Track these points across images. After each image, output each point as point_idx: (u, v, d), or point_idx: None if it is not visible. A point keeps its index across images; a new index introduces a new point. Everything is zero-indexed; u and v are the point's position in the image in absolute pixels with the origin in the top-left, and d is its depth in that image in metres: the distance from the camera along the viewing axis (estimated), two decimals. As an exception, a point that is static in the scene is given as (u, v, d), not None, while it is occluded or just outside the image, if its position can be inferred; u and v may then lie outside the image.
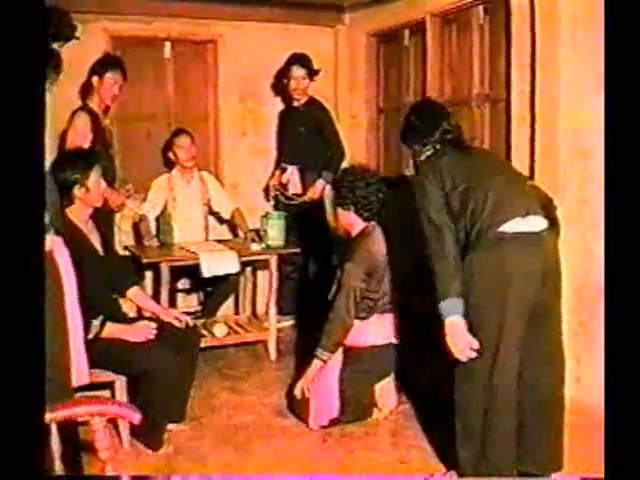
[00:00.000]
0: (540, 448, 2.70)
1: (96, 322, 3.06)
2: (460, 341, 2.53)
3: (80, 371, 2.63)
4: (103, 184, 3.30)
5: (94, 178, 3.21)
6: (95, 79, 4.27)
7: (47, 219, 2.32)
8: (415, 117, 2.97)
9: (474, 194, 2.60)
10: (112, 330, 3.08)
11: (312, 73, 4.96)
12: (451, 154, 2.76)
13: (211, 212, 4.98)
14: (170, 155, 4.82)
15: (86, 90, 4.43)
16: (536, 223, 2.60)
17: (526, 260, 2.54)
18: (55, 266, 2.38)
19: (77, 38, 2.66)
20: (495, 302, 2.53)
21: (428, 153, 2.83)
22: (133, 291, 3.48)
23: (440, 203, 2.63)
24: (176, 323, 3.41)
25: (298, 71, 4.92)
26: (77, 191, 3.15)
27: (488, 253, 2.55)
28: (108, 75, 4.26)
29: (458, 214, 2.62)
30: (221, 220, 5.10)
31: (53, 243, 2.36)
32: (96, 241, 3.29)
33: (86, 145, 4.01)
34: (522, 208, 2.59)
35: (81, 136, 4.06)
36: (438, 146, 2.82)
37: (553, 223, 2.72)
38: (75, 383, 2.57)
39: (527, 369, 2.63)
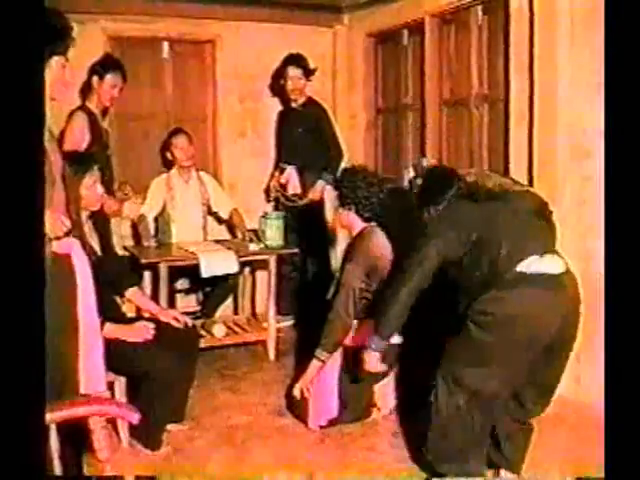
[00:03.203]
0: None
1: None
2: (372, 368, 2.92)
3: (93, 377, 2.51)
4: (100, 189, 3.29)
5: (87, 183, 3.20)
6: (95, 80, 4.26)
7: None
8: (431, 180, 3.01)
9: (489, 241, 2.61)
10: (111, 330, 3.07)
11: (308, 73, 4.96)
12: (465, 206, 2.78)
13: (210, 212, 4.97)
14: (168, 155, 4.82)
15: (85, 90, 4.42)
16: (555, 264, 2.58)
17: (546, 304, 2.52)
18: (71, 269, 2.37)
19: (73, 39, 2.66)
20: (509, 341, 2.50)
21: (441, 207, 2.85)
22: (132, 291, 3.47)
23: (435, 258, 2.65)
24: (175, 323, 3.41)
25: (294, 71, 4.92)
26: (70, 193, 3.14)
27: (505, 292, 2.52)
28: (108, 77, 4.25)
29: (470, 260, 2.63)
30: (220, 220, 5.10)
31: (71, 246, 2.35)
32: (94, 242, 3.29)
33: (84, 146, 4.01)
34: (538, 247, 2.59)
35: (78, 137, 4.05)
36: (453, 200, 2.84)
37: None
38: (85, 390, 2.47)
39: (524, 392, 2.67)
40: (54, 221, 2.26)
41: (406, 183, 3.59)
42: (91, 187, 3.22)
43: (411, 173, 3.51)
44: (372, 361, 2.88)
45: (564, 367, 2.72)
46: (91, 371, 2.47)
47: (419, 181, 3.42)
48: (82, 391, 2.44)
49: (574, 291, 2.63)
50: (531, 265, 2.53)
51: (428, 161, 3.57)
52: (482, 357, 2.52)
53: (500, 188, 3.23)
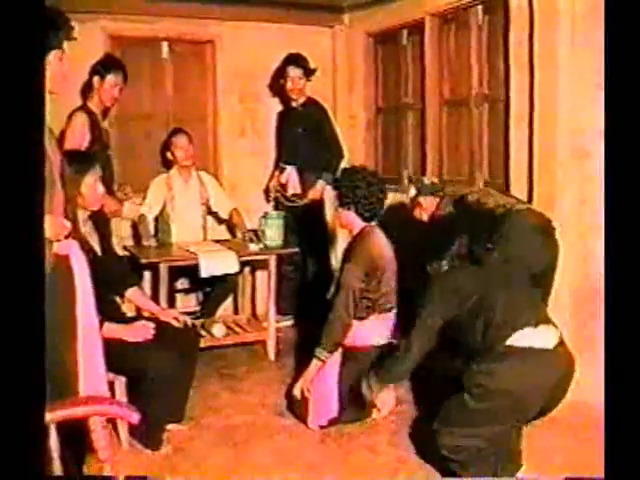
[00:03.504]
0: None
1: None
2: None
3: (93, 378, 2.46)
4: (101, 188, 3.28)
5: (88, 182, 3.19)
6: (96, 79, 4.25)
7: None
8: (436, 236, 3.17)
9: (483, 308, 2.66)
10: (111, 330, 3.07)
11: (308, 73, 4.96)
12: (466, 269, 2.89)
13: (210, 212, 4.97)
14: (168, 155, 4.82)
15: (86, 90, 4.42)
16: (548, 336, 2.61)
17: (534, 377, 2.55)
18: (69, 270, 2.37)
19: (74, 39, 2.65)
20: (500, 410, 2.56)
21: (445, 268, 2.97)
22: (132, 291, 3.47)
23: (445, 313, 2.76)
24: (175, 323, 3.41)
25: (294, 71, 4.92)
26: (69, 192, 3.13)
27: (497, 365, 2.56)
28: (110, 77, 4.24)
29: (468, 326, 2.69)
30: (219, 220, 5.10)
31: (69, 247, 2.35)
32: (95, 242, 3.29)
33: (84, 145, 4.01)
34: (532, 317, 2.62)
35: (79, 137, 4.05)
36: (455, 258, 2.94)
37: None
38: (86, 391, 2.50)
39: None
40: (55, 224, 2.26)
41: (408, 200, 3.64)
42: (92, 186, 3.21)
43: (412, 191, 3.54)
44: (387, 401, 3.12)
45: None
46: (91, 372, 2.46)
47: (422, 199, 3.48)
48: (82, 392, 2.43)
49: (567, 362, 2.65)
50: (523, 338, 2.57)
51: (429, 179, 3.62)
52: (472, 420, 2.59)
53: (502, 208, 3.27)
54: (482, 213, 3.27)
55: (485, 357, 2.60)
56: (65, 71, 2.37)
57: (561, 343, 2.64)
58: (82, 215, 3.22)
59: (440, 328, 2.78)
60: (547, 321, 2.66)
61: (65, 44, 2.33)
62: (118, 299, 3.55)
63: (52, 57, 2.26)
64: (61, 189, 2.36)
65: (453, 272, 2.89)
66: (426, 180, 3.63)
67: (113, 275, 3.36)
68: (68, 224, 2.36)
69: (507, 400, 2.52)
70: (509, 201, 3.42)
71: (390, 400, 3.49)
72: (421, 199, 3.59)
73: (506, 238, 3.17)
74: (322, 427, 3.38)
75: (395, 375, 3.06)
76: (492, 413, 2.56)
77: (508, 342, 2.57)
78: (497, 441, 2.63)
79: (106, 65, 4.29)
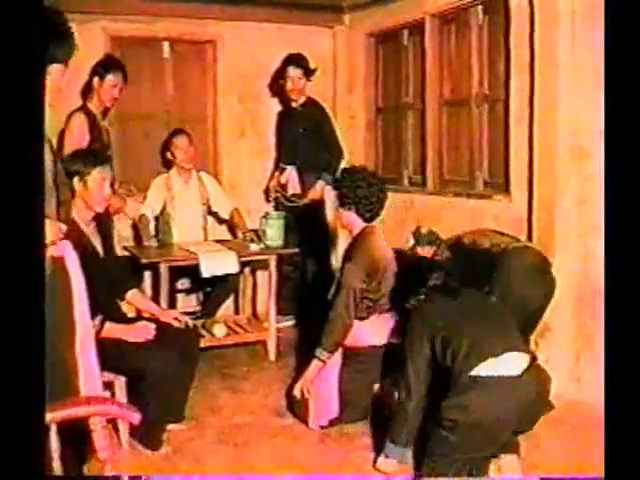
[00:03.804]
0: None
1: (95, 321, 3.05)
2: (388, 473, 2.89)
3: (89, 377, 2.50)
4: (108, 189, 3.26)
5: (96, 177, 3.17)
6: (96, 80, 4.26)
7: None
8: (413, 271, 3.13)
9: (452, 339, 2.70)
10: (111, 329, 3.08)
11: (308, 73, 4.96)
12: (439, 300, 2.89)
13: (210, 212, 4.97)
14: (168, 155, 4.82)
15: (86, 91, 4.42)
16: (514, 363, 2.63)
17: (501, 407, 2.58)
18: (65, 271, 2.37)
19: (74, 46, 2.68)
20: (466, 441, 2.60)
21: (421, 297, 2.97)
22: (132, 294, 3.47)
23: (425, 351, 2.78)
24: (175, 323, 3.41)
25: (294, 71, 4.92)
26: (76, 184, 3.13)
27: (462, 398, 2.60)
28: (109, 77, 4.25)
29: (440, 358, 2.73)
30: (220, 220, 5.10)
31: (64, 248, 2.35)
32: (97, 243, 3.29)
33: (83, 146, 4.01)
34: (498, 347, 2.64)
35: (78, 137, 4.05)
36: (430, 292, 2.94)
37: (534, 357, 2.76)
38: (84, 391, 2.50)
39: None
40: (51, 228, 2.26)
41: (407, 249, 3.70)
42: (99, 183, 3.18)
43: (410, 241, 3.57)
44: (388, 467, 2.92)
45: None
46: (88, 371, 2.48)
47: (419, 249, 3.51)
48: (82, 391, 2.44)
49: (537, 385, 2.68)
50: (486, 369, 2.59)
51: (427, 229, 3.69)
52: (451, 451, 2.62)
53: (498, 248, 3.30)
54: (478, 254, 3.33)
55: (453, 390, 2.64)
56: (63, 85, 2.37)
57: (531, 367, 2.66)
58: (87, 216, 3.21)
59: (430, 360, 2.80)
60: (515, 349, 2.67)
61: (68, 60, 2.33)
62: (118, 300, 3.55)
63: (54, 70, 2.26)
64: (54, 191, 2.36)
65: (426, 305, 2.91)
66: (423, 230, 3.69)
67: (114, 277, 3.36)
68: (64, 227, 2.36)
69: (478, 431, 2.57)
70: (504, 240, 3.46)
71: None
72: (419, 249, 3.62)
73: (504, 278, 3.21)
74: (322, 427, 3.38)
75: (403, 431, 2.88)
76: (467, 444, 2.60)
77: (473, 373, 2.60)
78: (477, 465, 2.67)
79: (105, 65, 4.30)
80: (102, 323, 3.08)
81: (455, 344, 2.67)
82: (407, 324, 2.92)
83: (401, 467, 2.90)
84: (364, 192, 3.42)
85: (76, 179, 3.14)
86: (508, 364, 2.61)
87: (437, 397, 2.76)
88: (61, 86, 2.35)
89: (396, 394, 2.90)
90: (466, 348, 2.64)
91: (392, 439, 2.88)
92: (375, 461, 2.97)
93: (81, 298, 2.44)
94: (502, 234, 3.57)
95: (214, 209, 4.94)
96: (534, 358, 2.73)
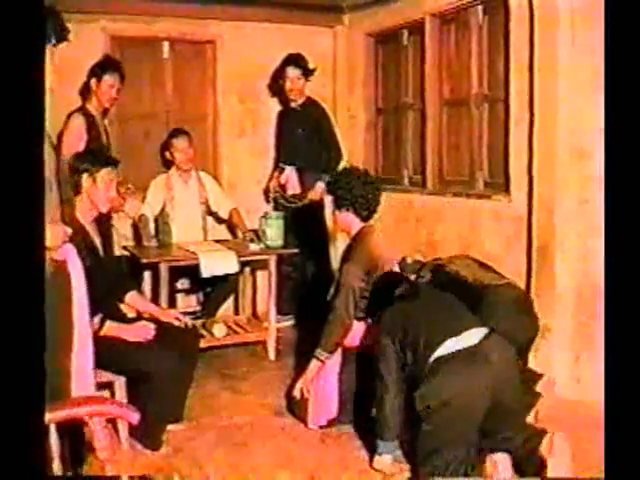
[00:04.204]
0: None
1: (95, 319, 3.05)
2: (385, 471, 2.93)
3: (82, 381, 2.54)
4: (114, 191, 3.29)
5: (105, 176, 3.20)
6: (93, 81, 4.26)
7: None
8: (380, 284, 3.22)
9: (410, 333, 2.79)
10: (112, 328, 3.08)
11: (307, 73, 4.96)
12: (401, 305, 2.98)
13: (210, 213, 4.97)
14: (167, 155, 4.82)
15: (84, 92, 4.42)
16: (473, 337, 2.69)
17: (465, 379, 2.61)
18: (67, 275, 2.37)
19: (68, 32, 2.66)
20: (446, 426, 2.62)
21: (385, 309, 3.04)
22: (130, 296, 3.47)
23: (393, 362, 2.86)
24: (175, 323, 3.41)
25: (293, 71, 4.92)
26: (85, 180, 3.16)
27: (429, 384, 2.64)
28: (106, 78, 4.25)
29: (407, 355, 2.80)
30: (219, 220, 5.10)
31: (67, 252, 2.35)
32: (98, 243, 3.29)
33: (81, 148, 4.01)
34: (455, 327, 2.72)
35: (76, 139, 4.05)
36: (396, 300, 3.03)
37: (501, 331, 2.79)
38: (77, 393, 2.50)
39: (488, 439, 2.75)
40: (55, 232, 2.27)
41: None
42: (108, 183, 3.21)
43: (396, 268, 3.61)
44: (384, 465, 2.95)
45: (521, 411, 2.86)
46: (82, 373, 2.49)
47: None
48: (73, 392, 2.45)
49: (502, 352, 2.71)
50: (445, 348, 2.65)
51: (413, 259, 3.73)
52: (433, 445, 2.65)
53: (478, 282, 3.34)
54: (461, 287, 3.33)
55: (421, 380, 2.69)
56: (57, 66, 2.37)
57: (490, 335, 2.72)
58: (90, 215, 3.22)
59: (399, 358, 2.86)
60: (473, 326, 2.75)
61: (54, 39, 2.33)
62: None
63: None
64: (57, 192, 2.36)
65: (388, 312, 2.98)
66: (409, 259, 3.75)
67: (113, 279, 3.36)
68: (69, 230, 2.37)
69: (452, 411, 2.59)
70: (487, 276, 3.45)
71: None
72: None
73: (488, 315, 3.20)
74: (322, 427, 3.37)
75: (385, 423, 2.92)
76: (448, 431, 2.62)
77: (435, 355, 2.66)
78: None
79: (102, 66, 4.30)
80: (102, 322, 3.08)
81: (414, 335, 2.76)
82: (377, 339, 2.98)
83: (397, 465, 2.95)
84: (359, 192, 3.43)
85: (85, 175, 3.17)
86: (467, 339, 2.69)
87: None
88: (56, 67, 2.36)
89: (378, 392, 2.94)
90: (425, 336, 2.73)
91: (381, 436, 2.93)
92: (371, 462, 2.99)
93: (81, 302, 2.45)
94: (485, 267, 3.52)
95: (213, 209, 4.94)
96: (492, 329, 2.77)
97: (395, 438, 2.94)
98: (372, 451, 3.01)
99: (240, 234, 4.81)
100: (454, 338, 2.69)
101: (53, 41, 2.33)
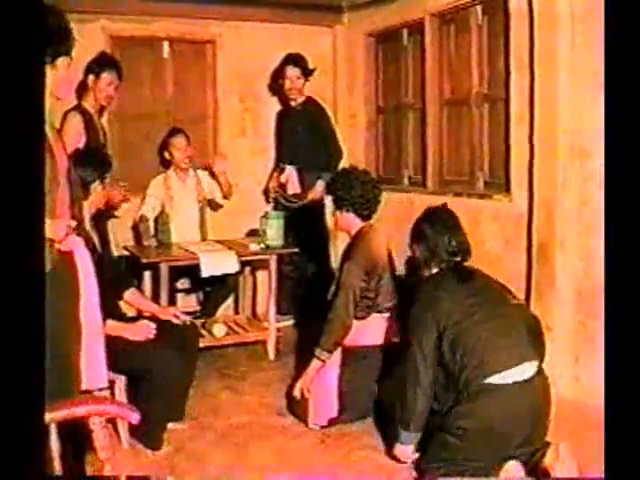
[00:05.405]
0: None
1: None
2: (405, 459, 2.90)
3: (95, 374, 2.51)
4: (102, 204, 3.44)
5: (98, 186, 3.31)
6: (91, 78, 4.25)
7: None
8: (427, 225, 3.02)
9: (464, 339, 2.65)
10: (112, 327, 3.07)
11: (307, 72, 4.96)
12: (452, 281, 2.81)
13: (209, 205, 4.95)
14: (166, 155, 4.81)
15: (81, 90, 4.40)
16: (525, 371, 2.63)
17: (512, 410, 2.58)
18: (74, 266, 2.37)
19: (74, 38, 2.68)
20: (482, 449, 2.60)
21: (433, 271, 2.91)
22: (129, 293, 3.47)
23: (433, 336, 2.71)
24: (175, 320, 3.41)
25: (292, 71, 4.93)
26: (94, 188, 3.26)
27: (473, 405, 2.60)
28: (104, 75, 4.24)
29: (448, 356, 2.69)
30: (216, 207, 5.05)
31: (73, 243, 2.35)
32: (96, 241, 3.30)
33: (80, 146, 4.00)
34: (513, 358, 2.63)
35: (74, 137, 4.03)
36: (443, 265, 2.88)
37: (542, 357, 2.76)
38: (87, 386, 2.48)
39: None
40: (59, 226, 2.27)
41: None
42: (108, 184, 3.35)
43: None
44: (405, 454, 2.90)
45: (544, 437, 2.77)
46: (93, 367, 2.48)
47: None
48: (84, 385, 2.45)
49: (542, 390, 2.69)
50: (499, 378, 2.59)
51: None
52: (454, 458, 2.62)
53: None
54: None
55: (462, 397, 2.63)
56: (71, 77, 2.40)
57: (539, 372, 2.68)
58: (89, 212, 3.24)
59: (437, 347, 2.72)
60: (528, 359, 2.66)
61: (70, 52, 2.35)
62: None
63: (60, 63, 2.28)
64: (67, 190, 2.36)
65: (438, 278, 2.84)
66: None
67: (112, 276, 3.36)
68: (73, 223, 2.37)
69: (487, 438, 2.57)
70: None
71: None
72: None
73: None
74: (322, 427, 3.37)
75: (415, 416, 2.79)
76: (474, 451, 2.60)
77: (485, 381, 2.60)
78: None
79: (100, 63, 4.29)
80: (103, 321, 3.08)
81: (468, 350, 2.63)
82: (412, 308, 2.83)
83: (416, 455, 2.90)
84: (359, 192, 3.43)
85: (96, 183, 3.29)
86: (522, 372, 2.62)
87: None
88: (70, 78, 2.38)
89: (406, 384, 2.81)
90: (480, 357, 2.61)
91: (405, 426, 2.82)
92: (389, 451, 2.98)
93: (89, 292, 2.44)
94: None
95: (208, 197, 4.92)
96: (542, 360, 2.74)
97: (420, 430, 2.82)
98: (390, 441, 3.00)
99: (225, 189, 4.85)
100: (511, 370, 2.60)
101: (71, 54, 2.35)
